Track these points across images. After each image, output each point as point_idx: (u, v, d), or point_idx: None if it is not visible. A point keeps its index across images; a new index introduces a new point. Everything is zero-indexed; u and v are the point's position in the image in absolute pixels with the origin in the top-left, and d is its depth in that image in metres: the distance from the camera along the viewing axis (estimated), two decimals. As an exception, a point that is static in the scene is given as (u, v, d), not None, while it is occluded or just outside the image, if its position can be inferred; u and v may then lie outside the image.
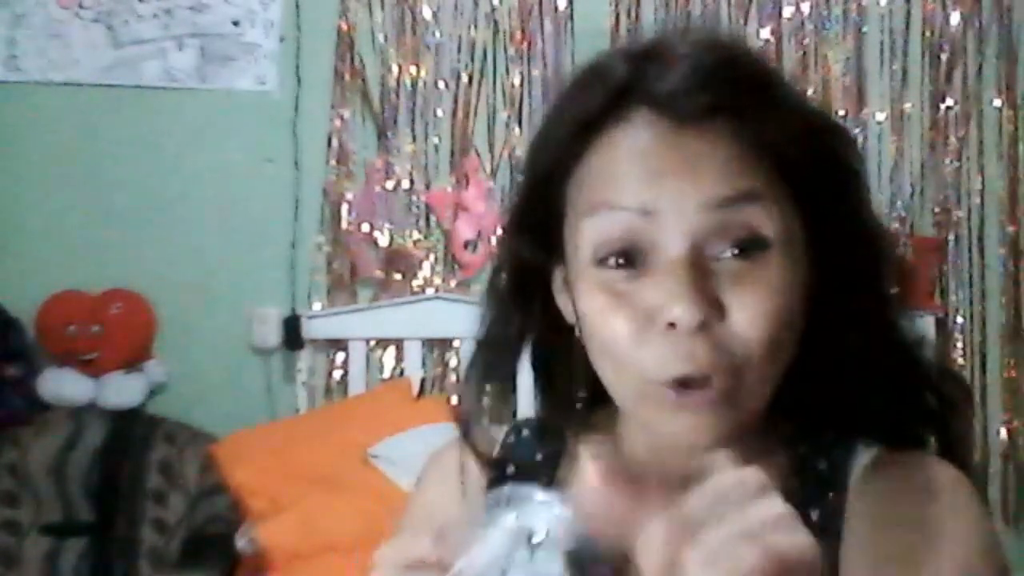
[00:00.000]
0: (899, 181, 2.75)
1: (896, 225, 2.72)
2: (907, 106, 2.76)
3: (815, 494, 0.76)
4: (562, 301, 0.81)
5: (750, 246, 0.73)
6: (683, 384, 0.72)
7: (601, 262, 0.74)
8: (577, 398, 0.83)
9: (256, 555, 2.18)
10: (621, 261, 0.74)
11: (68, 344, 2.52)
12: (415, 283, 2.69)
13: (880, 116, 2.76)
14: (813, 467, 0.78)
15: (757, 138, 0.75)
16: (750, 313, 0.72)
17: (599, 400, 0.81)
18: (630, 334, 0.73)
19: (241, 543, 2.12)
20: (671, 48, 0.78)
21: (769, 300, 0.73)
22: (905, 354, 0.81)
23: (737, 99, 0.76)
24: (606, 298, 0.74)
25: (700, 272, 0.72)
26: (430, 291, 2.68)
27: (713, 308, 0.71)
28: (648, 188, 0.73)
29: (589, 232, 0.75)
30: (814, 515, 0.75)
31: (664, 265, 0.72)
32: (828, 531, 0.75)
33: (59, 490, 2.41)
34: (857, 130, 2.72)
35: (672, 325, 0.71)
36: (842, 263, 0.77)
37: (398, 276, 2.69)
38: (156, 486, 2.42)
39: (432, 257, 2.70)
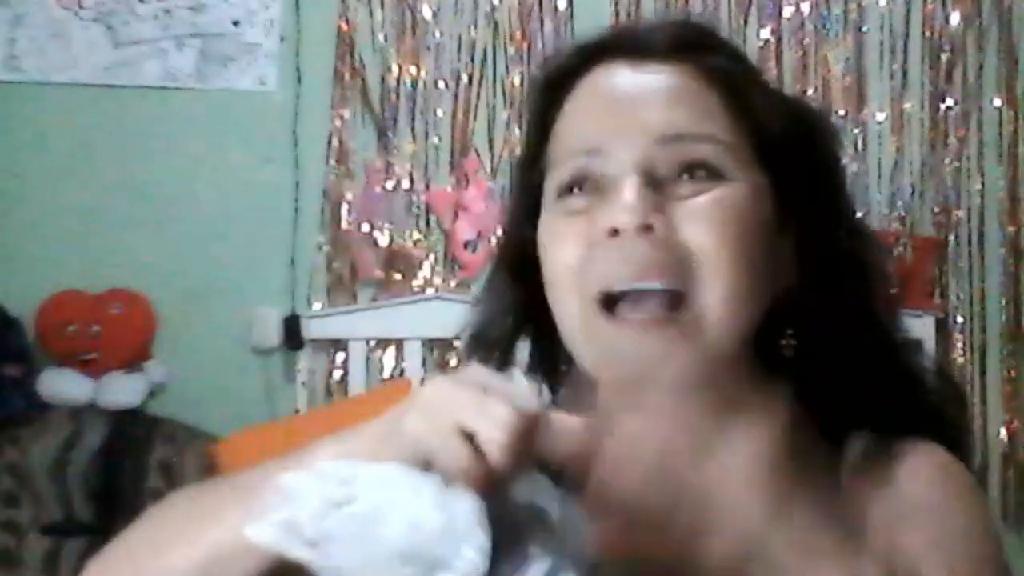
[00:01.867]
0: (899, 181, 2.75)
1: (896, 225, 2.72)
2: (907, 106, 2.76)
3: (809, 479, 0.75)
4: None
5: (699, 171, 0.72)
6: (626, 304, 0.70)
7: (559, 197, 0.75)
8: (558, 373, 0.82)
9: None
10: (577, 191, 0.75)
11: (68, 344, 2.52)
12: (415, 283, 2.69)
13: (880, 116, 2.76)
14: (808, 452, 0.77)
15: (724, 79, 0.74)
16: (702, 219, 0.71)
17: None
18: (576, 248, 0.73)
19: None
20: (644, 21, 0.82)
21: (720, 211, 0.71)
22: (892, 344, 0.80)
23: (702, 38, 0.78)
24: (560, 222, 0.75)
25: (646, 185, 0.71)
26: (430, 291, 2.68)
27: (659, 214, 0.70)
28: (600, 124, 0.74)
29: (552, 178, 0.76)
30: (810, 495, 0.74)
31: (614, 186, 0.72)
32: (824, 516, 0.74)
33: (59, 490, 2.41)
34: (857, 130, 2.72)
35: (615, 232, 0.70)
36: (824, 251, 0.77)
37: (398, 276, 2.69)
38: (156, 486, 2.42)
39: (432, 257, 2.70)
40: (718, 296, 0.70)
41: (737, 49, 0.81)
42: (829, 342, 0.76)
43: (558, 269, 0.74)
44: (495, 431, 0.57)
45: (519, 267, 0.81)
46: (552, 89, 0.79)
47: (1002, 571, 0.73)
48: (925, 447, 0.77)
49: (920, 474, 0.75)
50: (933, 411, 0.80)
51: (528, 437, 0.58)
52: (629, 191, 0.70)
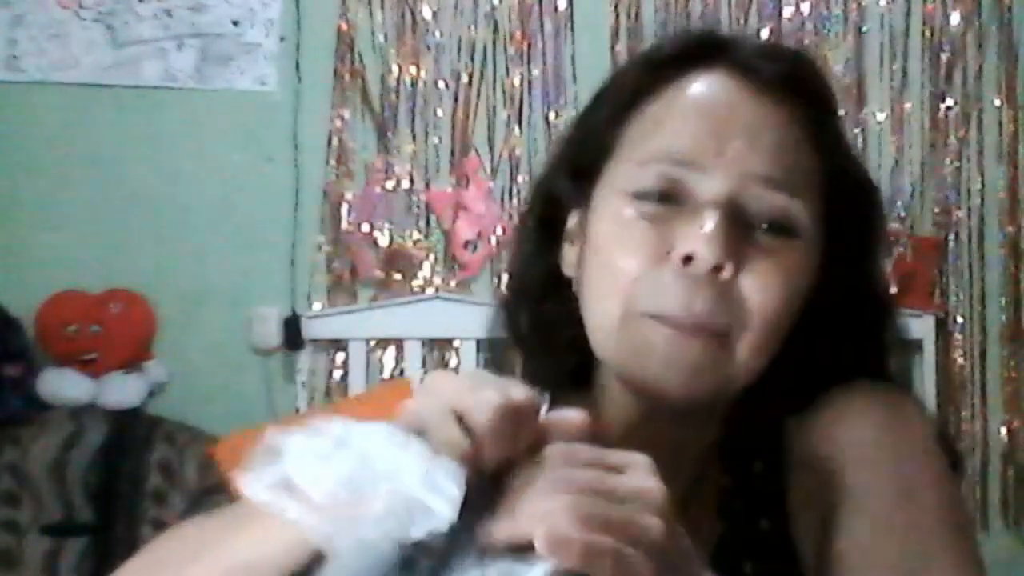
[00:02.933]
0: (899, 181, 2.75)
1: (896, 225, 2.72)
2: (907, 106, 2.76)
3: (753, 447, 0.77)
4: (566, 251, 0.81)
5: (780, 228, 0.73)
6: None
7: (638, 196, 0.74)
8: (562, 361, 0.82)
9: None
10: (657, 198, 0.74)
11: (68, 344, 2.52)
12: (415, 283, 2.69)
13: (880, 116, 2.76)
14: (749, 420, 0.78)
15: (820, 134, 0.75)
16: (764, 280, 0.72)
17: (583, 377, 0.82)
18: (640, 261, 0.72)
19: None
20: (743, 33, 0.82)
21: (784, 278, 0.73)
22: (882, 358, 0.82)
23: (813, 85, 0.78)
24: (630, 219, 0.74)
25: (732, 224, 0.71)
26: (430, 291, 2.68)
27: (731, 259, 0.71)
28: (703, 144, 0.73)
29: (636, 176, 0.75)
30: (758, 467, 0.76)
31: (699, 207, 0.72)
32: (773, 482, 0.75)
33: (59, 490, 2.41)
34: (857, 130, 2.72)
35: (687, 261, 0.71)
36: (842, 311, 0.78)
37: (398, 276, 2.69)
38: (156, 486, 2.42)
39: (432, 257, 2.70)
40: (754, 343, 0.73)
41: (834, 92, 0.82)
42: (827, 353, 0.79)
43: (615, 272, 0.74)
44: (484, 412, 0.58)
45: (552, 231, 0.82)
46: (651, 68, 0.78)
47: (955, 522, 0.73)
48: (869, 386, 0.78)
49: (861, 417, 0.76)
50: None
51: (517, 423, 0.59)
52: (716, 225, 0.71)
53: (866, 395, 0.77)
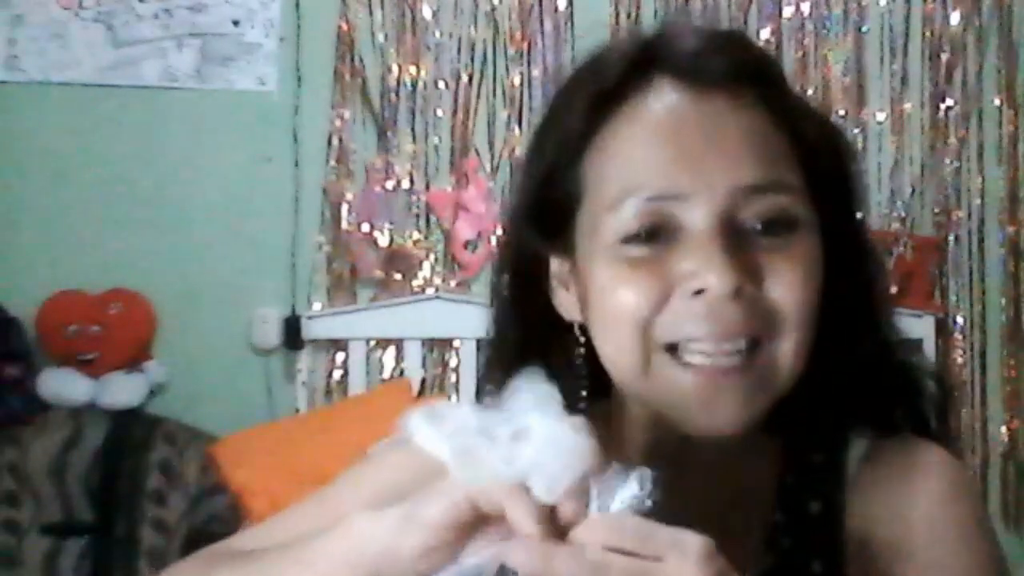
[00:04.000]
0: (899, 181, 2.75)
1: (896, 225, 2.72)
2: (907, 106, 2.76)
3: (813, 487, 0.75)
4: (561, 296, 0.78)
5: (779, 225, 0.71)
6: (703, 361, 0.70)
7: (625, 241, 0.71)
8: (576, 397, 0.79)
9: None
10: (645, 237, 0.71)
11: (68, 344, 2.52)
12: (415, 283, 2.69)
13: (880, 116, 2.76)
14: (809, 460, 0.76)
15: (781, 110, 0.73)
16: (787, 279, 0.70)
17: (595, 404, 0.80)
18: (649, 300, 0.70)
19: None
20: (683, 23, 0.77)
21: (804, 269, 0.71)
22: (891, 351, 0.80)
23: (759, 64, 0.75)
24: (626, 268, 0.71)
25: (732, 242, 0.69)
26: (430, 291, 2.68)
27: (747, 275, 0.69)
28: (677, 172, 0.70)
29: (614, 220, 0.71)
30: (814, 507, 0.74)
31: (694, 238, 0.69)
32: (829, 524, 0.74)
33: (59, 490, 2.41)
34: (857, 130, 2.72)
35: (699, 293, 0.68)
36: (840, 261, 0.76)
37: (398, 276, 2.69)
38: (156, 486, 2.42)
39: (432, 257, 2.70)
40: (794, 344, 0.71)
41: (782, 68, 0.78)
42: (835, 345, 0.76)
43: (621, 316, 0.70)
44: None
45: (531, 286, 0.79)
46: (596, 102, 0.73)
47: None
48: (925, 448, 0.78)
49: (933, 488, 0.76)
50: (924, 406, 0.81)
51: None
52: (717, 251, 0.68)
53: (931, 462, 0.77)
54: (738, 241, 0.69)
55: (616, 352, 0.72)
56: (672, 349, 0.70)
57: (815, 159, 0.74)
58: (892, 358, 0.79)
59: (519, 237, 0.80)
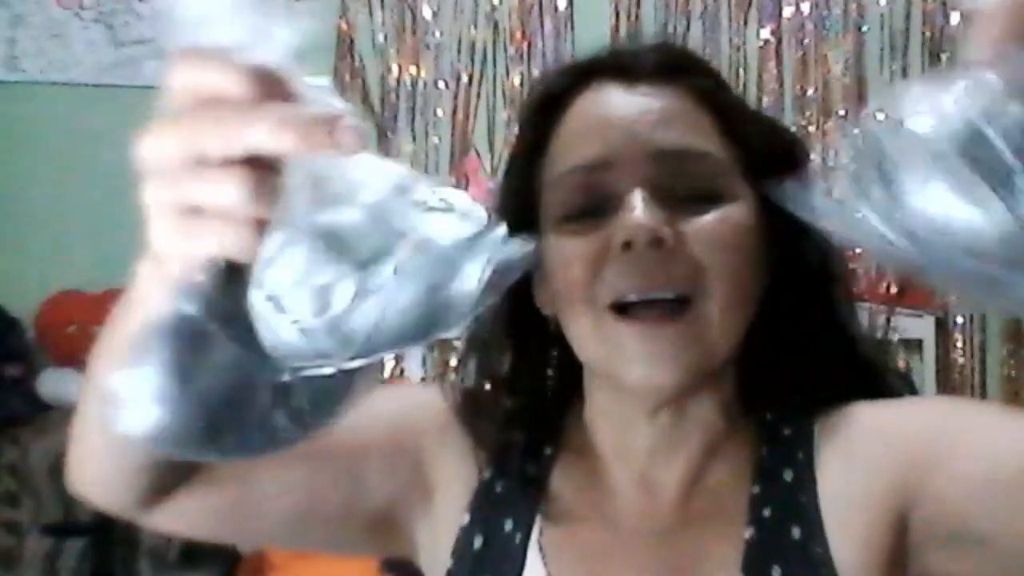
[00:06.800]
0: (899, 181, 2.75)
1: (896, 225, 2.72)
2: (907, 106, 2.76)
3: (785, 456, 0.78)
4: (538, 292, 0.82)
5: (704, 195, 0.75)
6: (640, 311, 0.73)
7: (567, 216, 0.77)
8: (557, 401, 0.84)
9: (256, 555, 2.18)
10: (585, 210, 0.76)
11: (68, 344, 2.52)
12: (415, 283, 2.69)
13: (880, 116, 2.75)
14: (779, 433, 0.79)
15: (713, 102, 0.78)
16: (710, 238, 0.74)
17: (572, 401, 0.84)
18: (589, 262, 0.74)
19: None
20: (630, 43, 0.85)
21: (728, 233, 0.75)
22: (854, 344, 0.82)
23: (691, 61, 0.82)
24: (569, 239, 0.76)
25: (657, 203, 0.73)
26: (430, 291, 2.68)
27: (669, 227, 0.73)
28: (602, 141, 0.76)
29: (555, 197, 0.78)
30: (787, 475, 0.76)
31: (623, 201, 0.74)
32: (804, 482, 0.76)
33: (59, 490, 2.41)
34: (857, 131, 2.71)
35: (627, 246, 0.72)
36: (793, 259, 0.79)
37: (398, 276, 2.69)
38: (156, 486, 2.42)
39: (432, 257, 2.70)
40: (721, 302, 0.74)
41: (718, 72, 0.85)
42: (794, 335, 0.80)
43: (570, 285, 0.75)
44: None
45: (513, 292, 0.82)
46: (543, 112, 0.81)
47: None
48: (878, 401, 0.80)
49: (905, 409, 0.79)
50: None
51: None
52: (639, 205, 0.73)
53: (877, 403, 0.79)
54: (664, 204, 0.74)
55: (574, 324, 0.77)
56: (616, 309, 0.73)
57: (749, 147, 0.78)
58: (856, 352, 0.82)
59: None
